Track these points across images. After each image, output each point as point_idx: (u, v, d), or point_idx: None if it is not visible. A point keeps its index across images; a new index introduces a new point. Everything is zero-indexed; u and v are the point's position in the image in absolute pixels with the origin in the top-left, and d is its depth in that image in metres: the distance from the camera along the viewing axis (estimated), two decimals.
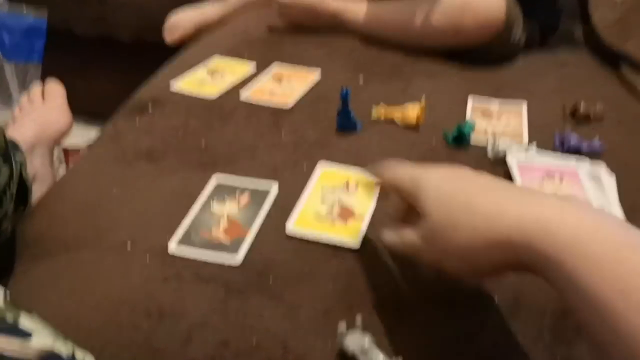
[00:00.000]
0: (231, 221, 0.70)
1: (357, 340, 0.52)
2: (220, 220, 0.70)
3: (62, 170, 1.15)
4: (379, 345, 0.55)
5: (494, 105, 0.96)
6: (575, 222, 0.38)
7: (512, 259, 0.42)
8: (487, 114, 0.94)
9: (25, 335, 0.44)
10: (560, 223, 0.39)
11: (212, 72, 1.05)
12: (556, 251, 0.38)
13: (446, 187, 0.49)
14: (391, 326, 0.57)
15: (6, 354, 0.41)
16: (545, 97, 0.99)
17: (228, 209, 0.72)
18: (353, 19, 1.17)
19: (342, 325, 0.52)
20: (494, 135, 0.85)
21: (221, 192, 0.75)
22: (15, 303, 0.51)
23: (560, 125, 0.87)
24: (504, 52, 1.10)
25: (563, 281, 0.37)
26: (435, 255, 0.49)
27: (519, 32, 1.09)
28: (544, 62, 1.13)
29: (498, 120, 0.92)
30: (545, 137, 0.87)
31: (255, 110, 0.93)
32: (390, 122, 0.91)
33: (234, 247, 0.65)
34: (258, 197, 0.74)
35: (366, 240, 0.67)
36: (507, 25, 1.05)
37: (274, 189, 0.75)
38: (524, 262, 0.41)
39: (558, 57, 1.15)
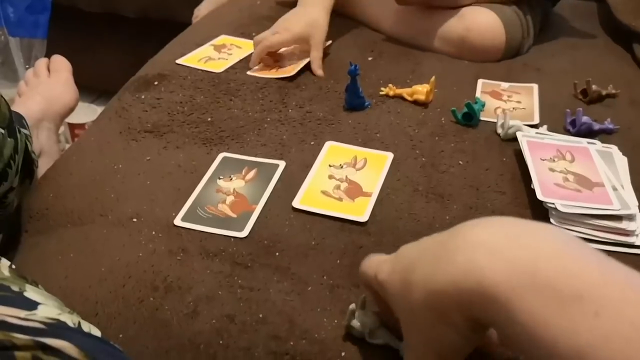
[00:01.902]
0: (238, 195, 0.69)
1: (365, 319, 0.51)
2: (226, 194, 0.69)
3: (67, 147, 1.15)
4: (385, 323, 0.54)
5: (504, 85, 0.95)
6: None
7: (473, 311, 0.37)
8: (496, 95, 0.92)
9: (31, 305, 0.44)
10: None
11: (219, 49, 1.04)
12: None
13: (396, 269, 0.45)
14: None
15: (11, 321, 0.40)
16: (557, 78, 0.98)
17: (235, 183, 0.71)
18: (360, 12, 1.15)
19: (352, 305, 0.51)
20: (504, 112, 0.84)
21: (228, 166, 0.74)
22: (21, 274, 0.51)
23: (571, 106, 0.86)
24: None
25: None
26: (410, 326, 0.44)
27: (527, 44, 1.07)
28: (555, 43, 1.11)
29: (508, 99, 0.91)
30: (556, 117, 0.85)
31: (262, 85, 0.92)
32: (399, 98, 0.90)
33: (240, 222, 0.65)
34: (265, 172, 0.73)
35: (374, 215, 0.66)
36: (509, 50, 1.03)
37: (281, 164, 0.74)
38: (486, 312, 0.36)
39: (569, 39, 1.13)
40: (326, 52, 1.01)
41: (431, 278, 0.39)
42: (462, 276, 0.36)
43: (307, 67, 0.97)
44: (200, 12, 1.38)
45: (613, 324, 0.31)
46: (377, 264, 0.47)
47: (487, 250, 0.36)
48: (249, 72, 0.96)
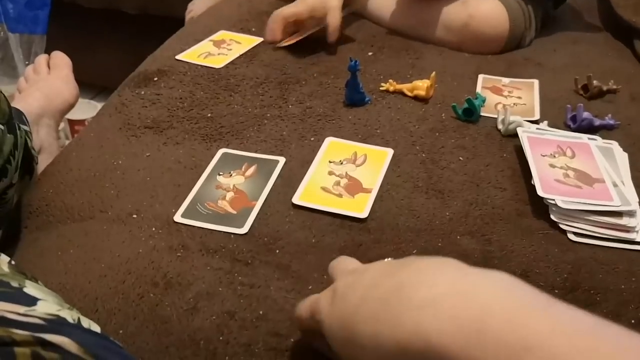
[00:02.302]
0: (238, 192, 0.69)
1: None
2: (226, 191, 0.69)
3: (67, 144, 1.15)
4: None
5: (505, 80, 0.95)
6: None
7: None
8: (497, 90, 0.92)
9: (30, 300, 0.44)
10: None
11: (219, 44, 1.04)
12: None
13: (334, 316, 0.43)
14: None
15: (10, 317, 0.40)
16: (558, 73, 0.97)
17: (234, 179, 0.71)
18: (360, 5, 1.15)
19: None
20: (505, 108, 0.83)
21: (227, 162, 0.74)
22: (20, 270, 0.50)
23: (572, 102, 0.86)
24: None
25: None
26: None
27: (529, 36, 1.06)
28: (556, 38, 1.11)
29: (509, 95, 0.91)
30: (557, 113, 0.85)
31: (262, 81, 0.92)
32: (400, 94, 0.89)
33: (240, 218, 0.65)
34: (265, 168, 0.73)
35: (374, 211, 0.66)
36: (511, 40, 1.03)
37: (280, 160, 0.74)
38: None
39: (571, 34, 1.13)
40: (323, 46, 1.01)
41: (378, 337, 0.38)
42: (409, 339, 0.36)
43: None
44: (194, 6, 1.37)
45: None
46: (311, 302, 0.46)
47: (433, 310, 0.35)
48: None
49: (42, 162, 0.82)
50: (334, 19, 0.97)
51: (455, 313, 0.35)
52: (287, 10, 0.99)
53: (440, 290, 0.37)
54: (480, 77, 0.96)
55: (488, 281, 0.37)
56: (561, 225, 0.64)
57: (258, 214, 0.66)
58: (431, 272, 0.39)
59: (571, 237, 0.63)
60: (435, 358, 0.34)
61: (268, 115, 0.84)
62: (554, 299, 0.35)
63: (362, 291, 0.41)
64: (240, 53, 1.00)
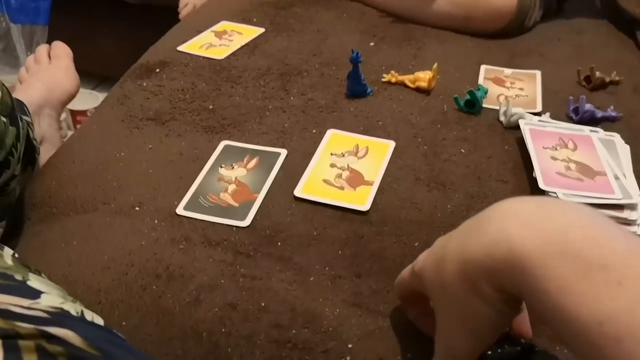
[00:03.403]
0: (239, 184, 0.69)
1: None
2: (228, 183, 0.69)
3: (69, 134, 1.15)
4: (387, 313, 0.55)
5: (507, 72, 0.95)
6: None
7: (509, 281, 0.38)
8: (499, 81, 0.92)
9: (34, 293, 0.44)
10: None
11: (220, 35, 1.04)
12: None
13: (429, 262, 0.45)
14: None
15: (14, 310, 0.41)
16: (560, 64, 0.97)
17: (236, 172, 0.71)
18: None
19: None
20: (507, 99, 0.83)
21: (229, 155, 0.74)
22: (24, 263, 0.51)
23: (574, 93, 0.85)
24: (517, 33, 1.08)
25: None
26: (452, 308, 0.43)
27: (534, 16, 1.06)
28: (559, 28, 1.10)
29: (511, 86, 0.91)
30: (559, 104, 0.85)
31: (264, 72, 0.92)
32: (402, 85, 0.89)
33: (242, 211, 0.65)
34: (267, 160, 0.73)
35: (375, 204, 0.66)
36: (519, 15, 1.03)
37: (282, 152, 0.74)
38: (521, 280, 0.37)
39: (574, 24, 1.12)
40: (325, 37, 1.01)
41: (464, 248, 0.39)
42: (493, 244, 0.37)
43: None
44: None
45: (635, 294, 0.32)
46: (411, 265, 0.47)
47: (519, 219, 0.37)
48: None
49: (44, 153, 0.82)
50: None
51: (541, 224, 0.36)
52: None
53: (528, 204, 0.39)
54: (483, 68, 0.95)
55: (576, 206, 0.38)
56: None
57: (260, 206, 0.66)
58: (520, 198, 0.40)
59: None
60: (516, 263, 0.36)
61: (270, 107, 0.84)
62: (633, 233, 0.37)
63: (455, 229, 0.43)
64: (242, 44, 1.00)
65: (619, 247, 0.34)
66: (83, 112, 1.62)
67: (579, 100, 0.82)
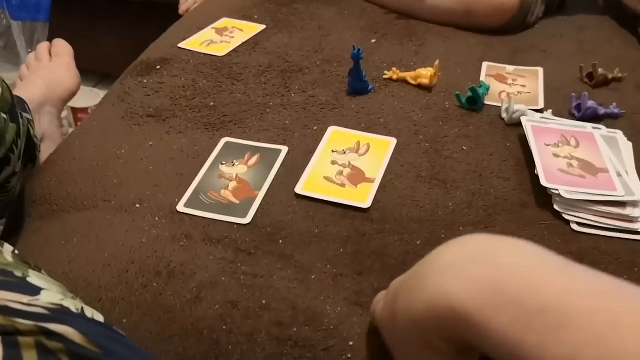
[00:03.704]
0: (240, 181, 0.69)
1: None
2: (229, 180, 0.69)
3: (70, 132, 1.15)
4: None
5: (509, 69, 0.94)
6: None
7: (452, 332, 0.38)
8: (501, 78, 0.92)
9: (34, 290, 0.44)
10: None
11: (221, 32, 1.03)
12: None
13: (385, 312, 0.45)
14: None
15: (14, 307, 0.40)
16: (563, 61, 0.97)
17: (237, 169, 0.71)
18: None
19: None
20: (509, 96, 0.83)
21: (230, 152, 0.74)
22: (24, 259, 0.51)
23: (577, 90, 0.85)
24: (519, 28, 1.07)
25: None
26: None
27: (536, 12, 1.06)
28: (562, 25, 1.10)
29: (513, 83, 0.90)
30: (561, 101, 0.85)
31: (265, 69, 0.92)
32: (403, 82, 0.89)
33: (243, 208, 0.65)
34: (267, 157, 0.73)
35: (376, 201, 0.66)
36: (522, 10, 1.02)
37: (283, 149, 0.74)
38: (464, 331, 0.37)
39: (576, 20, 1.12)
40: (326, 33, 1.01)
41: (409, 305, 0.39)
42: (433, 302, 0.37)
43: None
44: None
45: (578, 335, 0.31)
46: (377, 302, 0.48)
47: (453, 273, 0.37)
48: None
49: (45, 151, 0.82)
50: None
51: (474, 275, 0.36)
52: None
53: (462, 255, 0.38)
54: (485, 64, 0.95)
55: (508, 246, 0.38)
56: (564, 216, 0.64)
57: (261, 203, 0.66)
58: (456, 242, 0.40)
59: (574, 227, 0.63)
60: (458, 319, 0.35)
61: (271, 104, 0.83)
62: (573, 262, 0.36)
63: (404, 276, 0.43)
64: (243, 41, 1.00)
65: (555, 287, 0.33)
66: (84, 110, 1.62)
67: (581, 97, 0.82)
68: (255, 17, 1.08)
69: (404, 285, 0.41)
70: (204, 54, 0.96)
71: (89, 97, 1.63)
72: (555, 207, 0.65)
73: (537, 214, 0.65)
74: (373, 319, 0.49)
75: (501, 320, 0.33)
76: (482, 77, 0.91)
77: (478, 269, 0.36)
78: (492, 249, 0.38)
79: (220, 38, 1.01)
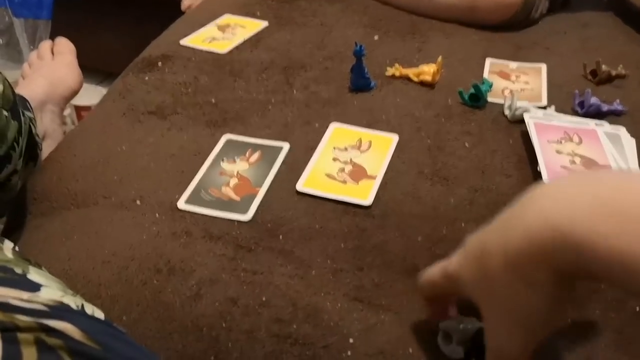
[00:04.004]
0: (241, 178, 0.69)
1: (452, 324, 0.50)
2: (230, 177, 0.69)
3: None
4: (388, 306, 0.54)
5: (513, 65, 0.94)
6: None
7: (564, 262, 0.36)
8: (504, 75, 0.91)
9: (34, 287, 0.44)
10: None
11: (223, 29, 1.03)
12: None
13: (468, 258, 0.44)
14: (402, 287, 0.56)
15: (14, 303, 0.40)
16: (566, 58, 0.96)
17: (238, 166, 0.71)
18: None
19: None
20: (512, 93, 0.82)
21: (231, 149, 0.74)
22: (24, 256, 0.51)
23: (580, 87, 0.84)
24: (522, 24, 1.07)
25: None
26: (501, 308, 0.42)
27: (540, 7, 1.05)
28: (565, 21, 1.09)
29: (516, 80, 0.90)
30: (564, 98, 0.84)
31: (267, 66, 0.91)
32: (406, 79, 0.89)
33: (244, 205, 0.65)
34: (269, 154, 0.72)
35: (378, 198, 0.66)
36: (526, 5, 1.02)
37: (285, 146, 0.74)
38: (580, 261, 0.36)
39: (580, 17, 1.11)
40: (328, 30, 1.00)
41: (506, 240, 0.39)
42: (535, 230, 0.36)
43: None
44: None
45: None
46: (440, 265, 0.47)
47: (551, 198, 0.37)
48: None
49: (46, 149, 0.82)
50: None
51: (574, 194, 0.36)
52: None
53: (557, 182, 0.39)
54: (488, 61, 0.95)
55: (602, 171, 0.41)
56: None
57: (262, 200, 0.65)
58: (545, 182, 0.41)
59: None
60: (563, 240, 0.35)
61: (272, 100, 0.83)
62: None
63: (489, 225, 0.42)
64: (245, 38, 1.00)
65: None
66: (87, 108, 1.62)
67: (584, 94, 0.81)
68: (258, 13, 1.08)
69: (498, 224, 0.41)
70: (206, 51, 0.96)
71: (93, 94, 1.62)
72: None
73: None
74: (437, 282, 0.47)
75: (607, 232, 0.33)
76: (485, 74, 0.91)
77: (576, 189, 0.36)
78: (586, 174, 0.39)
79: (222, 35, 1.01)
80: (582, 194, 0.36)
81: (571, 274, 0.36)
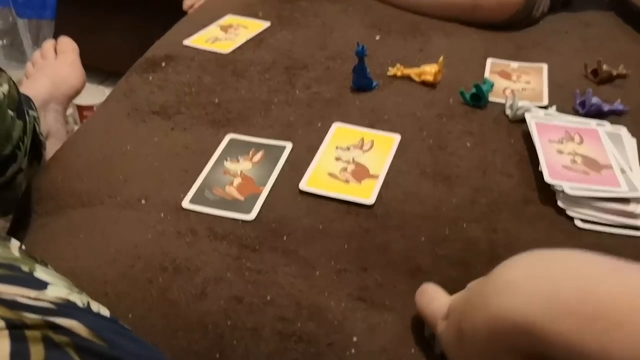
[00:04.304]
0: (245, 177, 0.69)
1: None
2: (233, 176, 0.69)
3: (76, 129, 1.15)
4: (391, 306, 0.55)
5: (514, 65, 0.94)
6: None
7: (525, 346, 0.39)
8: (506, 75, 0.92)
9: (40, 285, 0.45)
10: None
11: (226, 29, 1.04)
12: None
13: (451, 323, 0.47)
14: (405, 287, 0.56)
15: (21, 301, 0.41)
16: (567, 57, 0.97)
17: (242, 165, 0.71)
18: None
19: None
20: (513, 93, 0.83)
21: (235, 148, 0.74)
22: (31, 254, 0.51)
23: (581, 87, 0.85)
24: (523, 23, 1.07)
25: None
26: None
27: (541, 6, 1.05)
28: (567, 21, 1.10)
29: (517, 79, 0.90)
30: (566, 98, 0.85)
31: (269, 66, 0.92)
32: (407, 79, 0.89)
33: (247, 204, 0.65)
34: (272, 154, 0.73)
35: (380, 198, 0.66)
36: (528, 4, 1.02)
37: (288, 146, 0.74)
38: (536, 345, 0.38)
39: (581, 17, 1.12)
40: (330, 30, 1.01)
41: (476, 327, 0.41)
42: (496, 321, 0.39)
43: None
44: None
45: (637, 336, 0.32)
46: (436, 310, 0.48)
47: (510, 291, 0.39)
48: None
49: (50, 148, 0.83)
50: None
51: (530, 290, 0.37)
52: None
53: (519, 272, 0.40)
54: (489, 61, 0.95)
55: (561, 256, 0.40)
56: (568, 212, 0.64)
57: (265, 200, 0.66)
58: (512, 261, 0.42)
59: (578, 223, 0.63)
60: (522, 333, 0.37)
61: (275, 100, 0.84)
62: (628, 262, 0.37)
63: (467, 294, 0.45)
64: (248, 38, 1.00)
65: (611, 291, 0.34)
66: (90, 107, 1.62)
67: (585, 94, 0.82)
68: (260, 14, 1.09)
69: (470, 305, 0.43)
70: (209, 51, 0.96)
71: (95, 94, 1.63)
72: (559, 203, 0.65)
73: (540, 210, 0.65)
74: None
75: (561, 329, 0.35)
76: (486, 74, 0.91)
77: (533, 284, 0.37)
78: (545, 263, 0.39)
79: (225, 35, 1.02)
80: (538, 291, 0.37)
81: (537, 357, 0.38)
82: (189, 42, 0.99)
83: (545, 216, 0.65)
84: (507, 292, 0.39)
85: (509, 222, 0.64)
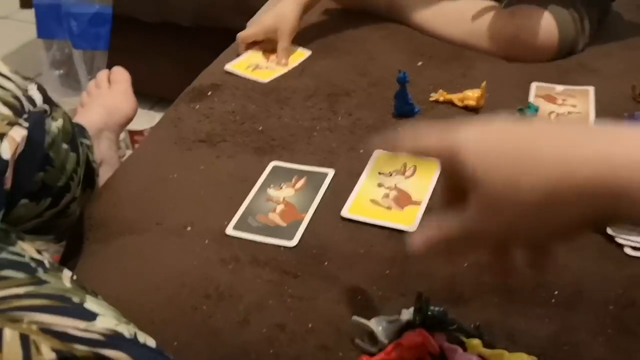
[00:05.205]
0: (287, 204, 0.70)
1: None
2: (276, 203, 0.71)
3: (128, 154, 1.19)
4: None
5: (559, 88, 0.93)
6: None
7: (603, 206, 0.35)
8: (551, 99, 0.90)
9: (90, 316, 0.46)
10: None
11: (268, 56, 1.05)
12: None
13: (490, 139, 0.42)
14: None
15: (72, 333, 0.43)
16: (613, 80, 0.94)
17: (284, 192, 0.72)
18: (407, 9, 1.14)
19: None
20: (559, 117, 0.82)
21: (278, 175, 0.75)
22: (82, 284, 0.53)
23: (630, 110, 0.83)
24: None
25: None
26: (501, 227, 0.40)
27: (581, 42, 1.03)
28: (610, 44, 1.07)
29: (563, 103, 0.89)
30: (613, 121, 0.82)
31: (312, 93, 0.93)
32: (450, 104, 0.89)
33: (290, 230, 0.66)
34: (314, 181, 0.74)
35: (423, 224, 0.66)
36: (561, 49, 1.00)
37: (330, 172, 0.75)
38: (620, 208, 0.35)
39: (624, 39, 1.09)
40: (372, 57, 1.02)
41: (569, 169, 0.37)
42: (584, 181, 0.36)
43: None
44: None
45: None
46: (438, 130, 0.44)
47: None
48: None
49: (103, 174, 0.86)
50: (283, 45, 1.03)
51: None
52: (244, 32, 1.08)
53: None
54: (533, 85, 0.94)
55: None
56: (617, 239, 0.62)
57: (307, 226, 0.67)
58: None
59: (627, 251, 0.62)
60: (609, 198, 0.35)
61: (317, 127, 0.85)
62: None
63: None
64: (287, 69, 1.01)
65: None
66: (140, 132, 1.67)
67: (634, 116, 0.79)
68: (302, 41, 1.10)
69: (552, 145, 0.38)
70: (249, 79, 0.98)
71: (145, 119, 1.68)
72: (608, 230, 0.63)
73: (588, 237, 0.64)
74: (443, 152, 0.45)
75: None
76: (531, 98, 0.90)
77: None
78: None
79: (265, 63, 1.03)
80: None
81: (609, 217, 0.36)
82: (230, 67, 1.01)
83: (594, 243, 0.63)
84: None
85: (555, 249, 0.62)
